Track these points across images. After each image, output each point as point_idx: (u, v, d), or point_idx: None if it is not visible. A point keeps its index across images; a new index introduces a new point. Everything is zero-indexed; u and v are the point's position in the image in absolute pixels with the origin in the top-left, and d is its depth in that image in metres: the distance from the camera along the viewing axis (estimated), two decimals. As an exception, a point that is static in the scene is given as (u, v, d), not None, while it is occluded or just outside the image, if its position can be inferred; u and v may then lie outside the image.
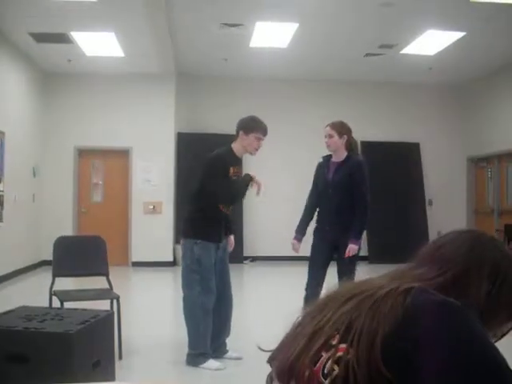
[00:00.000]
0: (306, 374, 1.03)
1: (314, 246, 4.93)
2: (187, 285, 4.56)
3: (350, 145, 4.89)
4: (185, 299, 4.56)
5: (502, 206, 11.45)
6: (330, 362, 1.01)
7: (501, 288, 1.15)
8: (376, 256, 11.50)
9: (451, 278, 1.14)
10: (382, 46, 9.81)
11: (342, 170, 4.82)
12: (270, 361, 1.19)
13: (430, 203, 12.43)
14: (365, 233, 11.81)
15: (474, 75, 11.66)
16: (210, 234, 4.54)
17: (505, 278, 1.16)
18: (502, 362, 0.93)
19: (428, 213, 12.24)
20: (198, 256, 4.47)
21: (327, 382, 0.99)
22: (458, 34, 8.97)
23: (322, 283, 4.80)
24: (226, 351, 4.72)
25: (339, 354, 1.00)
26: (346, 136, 4.84)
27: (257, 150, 4.72)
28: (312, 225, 4.99)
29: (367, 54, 10.33)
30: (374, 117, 12.35)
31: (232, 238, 4.87)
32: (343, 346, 1.01)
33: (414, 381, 0.93)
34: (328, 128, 4.89)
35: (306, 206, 5.10)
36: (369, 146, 12.21)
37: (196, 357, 4.49)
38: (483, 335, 0.97)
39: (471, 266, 1.16)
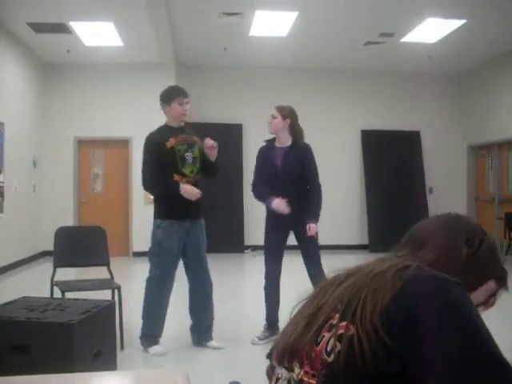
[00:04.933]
0: (309, 354, 1.05)
1: (269, 235, 4.97)
2: (150, 267, 4.66)
3: (294, 131, 4.88)
4: (146, 281, 4.68)
5: (503, 194, 11.44)
6: (332, 340, 1.02)
7: (478, 252, 1.22)
8: (376, 244, 11.52)
9: (432, 252, 1.20)
10: (381, 35, 9.77)
11: (290, 155, 4.84)
12: (269, 354, 1.20)
13: (431, 191, 12.42)
14: (365, 221, 11.98)
15: (475, 63, 11.63)
16: (173, 212, 4.56)
17: (481, 243, 1.22)
18: (488, 336, 0.97)
19: (429, 201, 12.23)
20: (159, 239, 4.54)
21: (331, 359, 1.00)
22: (459, 22, 8.93)
23: (280, 270, 4.89)
24: (210, 339, 4.78)
25: (340, 331, 1.02)
26: (289, 120, 4.85)
27: (185, 114, 4.73)
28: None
29: (367, 43, 10.29)
30: (375, 105, 12.32)
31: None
32: (344, 323, 1.03)
33: (414, 351, 0.95)
34: (274, 109, 4.93)
35: (254, 186, 5.14)
36: (369, 134, 12.21)
37: (143, 337, 4.65)
38: (474, 309, 1.01)
39: (449, 236, 1.23)
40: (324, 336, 1.05)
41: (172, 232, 4.55)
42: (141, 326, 4.70)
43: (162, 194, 4.61)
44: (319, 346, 1.04)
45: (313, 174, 4.83)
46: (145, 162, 4.61)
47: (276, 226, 4.91)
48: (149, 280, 4.66)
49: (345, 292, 1.09)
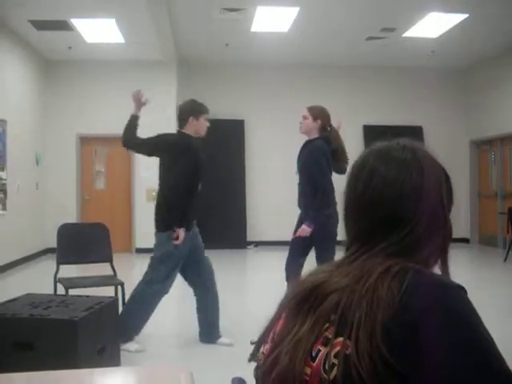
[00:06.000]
0: (306, 371, 1.00)
1: (295, 229, 4.98)
2: (152, 272, 4.63)
3: (326, 131, 4.85)
4: (143, 282, 4.66)
5: (506, 188, 11.43)
6: (330, 357, 0.97)
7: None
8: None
9: (425, 249, 1.09)
10: (383, 30, 9.75)
11: (303, 153, 4.86)
12: (252, 358, 1.17)
13: (434, 187, 12.40)
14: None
15: (477, 58, 11.59)
16: (185, 222, 4.57)
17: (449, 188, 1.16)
18: (493, 346, 0.93)
19: (431, 196, 12.21)
20: (171, 250, 4.53)
21: (331, 376, 0.96)
22: (461, 16, 8.90)
23: (302, 264, 4.81)
24: (219, 336, 4.84)
25: (337, 348, 0.96)
26: (319, 121, 4.82)
27: (206, 130, 4.83)
28: None
29: (369, 38, 10.27)
30: (377, 101, 12.31)
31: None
32: (340, 339, 0.97)
33: (419, 368, 0.90)
34: (305, 110, 4.91)
35: None
36: (371, 130, 12.19)
37: (123, 330, 4.52)
38: (476, 316, 0.95)
39: (438, 221, 1.11)
40: (320, 350, 0.99)
41: (185, 243, 4.57)
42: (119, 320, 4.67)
43: (176, 207, 4.51)
44: (316, 363, 0.99)
45: (313, 176, 4.71)
46: (193, 165, 4.55)
47: (298, 221, 4.92)
48: (148, 283, 4.63)
49: (337, 299, 1.01)
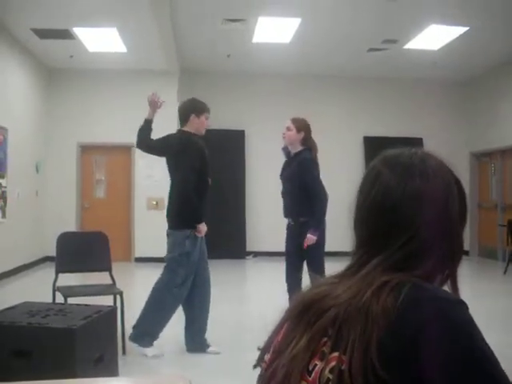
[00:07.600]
0: None
1: (286, 240, 5.05)
2: (170, 274, 4.69)
3: (306, 144, 4.91)
4: (161, 285, 4.70)
5: (506, 200, 11.43)
6: (325, 371, 0.96)
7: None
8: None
9: (429, 260, 1.04)
10: (385, 41, 9.78)
11: (291, 164, 4.92)
12: (258, 363, 1.15)
13: (433, 198, 12.38)
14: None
15: (478, 70, 11.63)
16: (197, 220, 4.69)
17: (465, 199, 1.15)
18: (496, 364, 0.91)
19: (431, 208, 12.19)
20: (188, 249, 4.61)
21: None
22: (462, 29, 8.94)
23: (301, 274, 4.82)
24: (208, 346, 4.82)
25: (333, 363, 0.95)
26: (303, 133, 4.90)
27: (206, 128, 4.92)
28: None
29: (370, 49, 10.30)
30: (378, 112, 12.33)
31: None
32: (336, 354, 0.95)
33: (415, 379, 0.89)
34: (289, 121, 5.00)
35: None
36: (371, 141, 12.20)
37: (142, 335, 4.66)
38: (478, 333, 0.93)
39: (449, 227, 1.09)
40: (316, 365, 0.99)
41: (197, 241, 4.67)
42: (137, 323, 4.71)
43: (190, 204, 4.65)
44: (312, 377, 0.98)
45: (309, 185, 4.79)
46: (198, 160, 4.68)
47: (289, 233, 4.99)
48: (167, 286, 4.68)
49: (335, 314, 0.99)
